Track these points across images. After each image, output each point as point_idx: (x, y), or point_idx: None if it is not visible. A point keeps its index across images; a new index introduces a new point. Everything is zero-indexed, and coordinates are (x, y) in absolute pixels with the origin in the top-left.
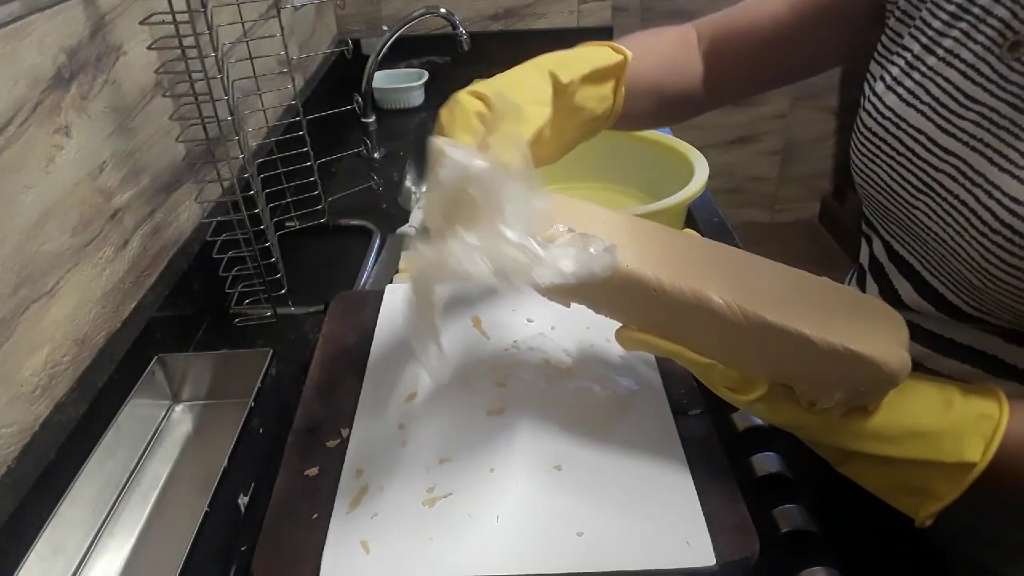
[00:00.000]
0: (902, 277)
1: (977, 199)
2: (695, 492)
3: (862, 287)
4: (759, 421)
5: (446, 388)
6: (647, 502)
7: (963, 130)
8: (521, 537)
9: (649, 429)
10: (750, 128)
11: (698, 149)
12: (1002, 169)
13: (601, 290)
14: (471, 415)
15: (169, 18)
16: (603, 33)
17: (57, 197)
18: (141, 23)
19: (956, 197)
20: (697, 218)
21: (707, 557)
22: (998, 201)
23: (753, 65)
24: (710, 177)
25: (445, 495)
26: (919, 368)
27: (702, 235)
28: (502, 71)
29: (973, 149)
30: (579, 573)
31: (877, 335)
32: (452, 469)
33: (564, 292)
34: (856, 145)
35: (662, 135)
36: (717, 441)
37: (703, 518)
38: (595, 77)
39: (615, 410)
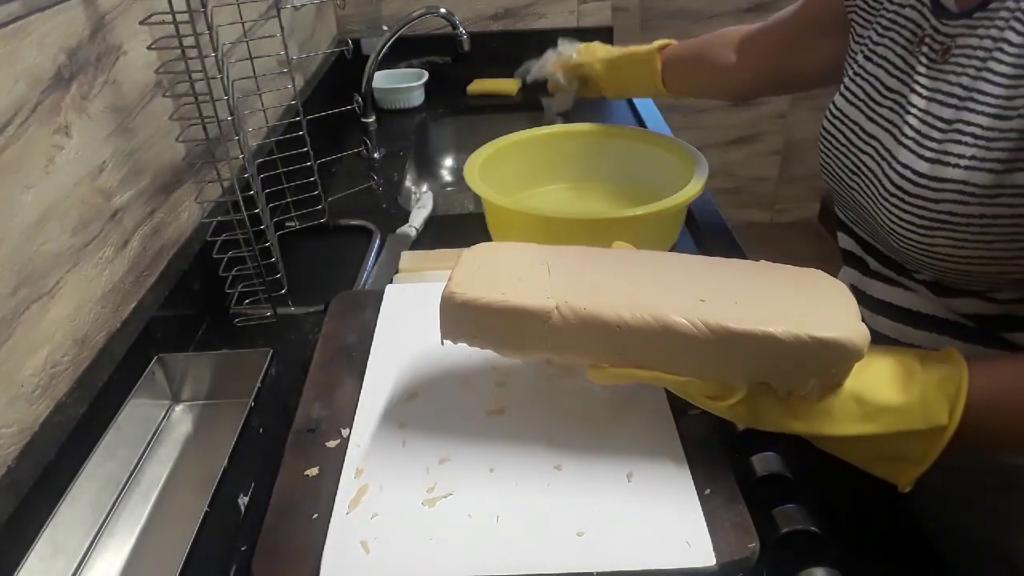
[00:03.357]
0: (866, 254)
1: (883, 170)
2: (695, 492)
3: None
4: None
5: (446, 388)
6: (647, 502)
7: (882, 116)
8: (521, 537)
9: (649, 429)
10: (750, 128)
11: (698, 149)
12: (900, 143)
13: (567, 334)
14: (471, 415)
15: (169, 18)
16: (603, 33)
17: (57, 197)
18: (141, 23)
19: (872, 172)
20: (697, 218)
21: (707, 557)
22: (894, 169)
23: (764, 61)
24: (710, 177)
25: (445, 495)
26: (886, 342)
27: (702, 235)
28: (502, 71)
29: (887, 131)
30: (579, 573)
31: (833, 314)
32: (452, 469)
33: (533, 349)
34: (819, 146)
35: (662, 135)
36: (717, 441)
37: (703, 518)
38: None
39: (615, 410)
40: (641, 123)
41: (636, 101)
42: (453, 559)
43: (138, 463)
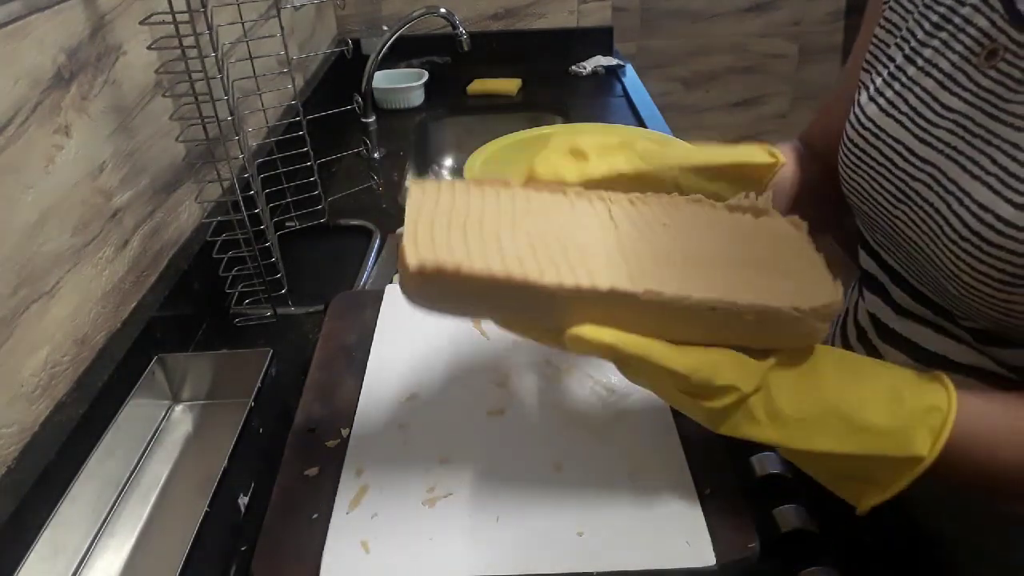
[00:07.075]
0: (895, 286)
1: (949, 206)
2: (695, 492)
3: (861, 295)
4: None
5: (446, 388)
6: (647, 502)
7: (939, 139)
8: (521, 537)
9: (649, 429)
10: (750, 128)
11: None
12: (974, 176)
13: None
14: (471, 415)
15: (169, 18)
16: (603, 33)
17: (57, 197)
18: (141, 23)
19: (931, 205)
20: None
21: (707, 557)
22: (967, 208)
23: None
24: None
25: (445, 495)
26: None
27: None
28: (502, 71)
29: (948, 157)
30: (579, 573)
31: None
32: (452, 469)
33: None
34: (841, 157)
35: (662, 135)
36: (717, 441)
37: (703, 518)
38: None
39: (615, 410)
40: (641, 123)
41: (636, 101)
42: (453, 559)
43: (138, 463)
